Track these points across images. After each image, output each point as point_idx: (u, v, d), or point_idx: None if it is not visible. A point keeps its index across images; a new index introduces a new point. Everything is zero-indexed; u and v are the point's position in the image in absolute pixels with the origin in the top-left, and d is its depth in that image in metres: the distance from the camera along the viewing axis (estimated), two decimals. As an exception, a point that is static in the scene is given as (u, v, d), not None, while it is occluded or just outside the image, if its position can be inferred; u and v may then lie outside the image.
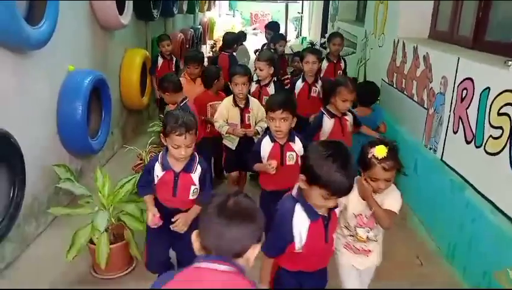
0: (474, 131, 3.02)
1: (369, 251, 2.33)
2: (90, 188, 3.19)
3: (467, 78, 3.18)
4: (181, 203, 2.56)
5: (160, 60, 5.82)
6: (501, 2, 3.40)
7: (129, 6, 5.01)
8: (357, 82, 4.09)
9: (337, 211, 2.06)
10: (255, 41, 11.68)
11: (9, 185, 2.91)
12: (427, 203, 3.62)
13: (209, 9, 12.61)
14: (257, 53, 6.85)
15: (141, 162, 4.03)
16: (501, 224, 2.64)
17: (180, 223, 2.53)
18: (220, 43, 8.47)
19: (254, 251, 1.37)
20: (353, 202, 2.24)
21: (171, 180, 2.52)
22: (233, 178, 3.90)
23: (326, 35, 7.83)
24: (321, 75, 4.99)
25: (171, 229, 2.55)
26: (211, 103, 4.15)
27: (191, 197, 2.55)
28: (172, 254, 2.77)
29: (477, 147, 2.97)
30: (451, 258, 3.20)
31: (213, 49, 11.16)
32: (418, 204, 3.73)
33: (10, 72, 3.00)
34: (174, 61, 5.94)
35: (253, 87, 4.22)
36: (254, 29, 20.22)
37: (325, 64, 5.32)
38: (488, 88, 2.87)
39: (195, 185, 2.54)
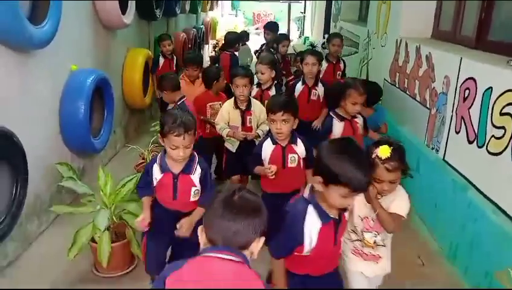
0: (476, 131, 3.01)
1: (379, 256, 2.27)
2: (92, 186, 3.20)
3: (469, 78, 3.18)
4: (182, 205, 2.51)
5: (161, 60, 5.83)
6: (504, 1, 3.39)
7: (132, 5, 5.01)
8: (379, 87, 3.98)
9: (346, 214, 2.03)
10: (257, 41, 11.67)
11: (12, 183, 2.91)
12: (429, 203, 3.61)
13: (211, 9, 12.62)
14: (257, 54, 6.84)
15: (143, 161, 4.04)
16: (503, 224, 2.63)
17: (184, 228, 2.46)
18: (222, 43, 8.47)
19: (258, 244, 1.43)
20: (358, 204, 2.19)
21: (170, 182, 2.46)
22: (235, 182, 3.80)
23: (326, 35, 7.83)
24: (320, 76, 4.96)
25: (176, 234, 2.47)
26: (210, 104, 4.14)
27: (192, 199, 2.50)
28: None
29: (479, 147, 2.96)
30: (453, 258, 3.19)
31: (215, 49, 11.16)
32: (420, 204, 3.72)
33: (13, 72, 3.01)
34: (175, 61, 5.95)
35: (254, 90, 4.16)
36: (257, 29, 20.20)
37: (324, 65, 5.29)
38: (491, 88, 2.86)
39: (195, 186, 2.48)
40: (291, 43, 10.33)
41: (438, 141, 3.62)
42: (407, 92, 4.45)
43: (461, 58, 3.33)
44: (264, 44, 7.03)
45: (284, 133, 2.76)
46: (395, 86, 4.86)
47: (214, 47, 11.83)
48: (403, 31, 4.81)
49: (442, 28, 4.51)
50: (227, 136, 3.63)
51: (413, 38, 4.54)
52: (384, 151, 2.07)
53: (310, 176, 2.90)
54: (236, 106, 3.64)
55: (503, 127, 2.69)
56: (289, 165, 2.83)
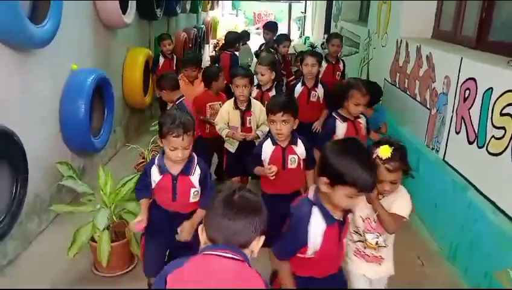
0: (476, 131, 3.01)
1: (381, 258, 2.26)
2: (92, 186, 3.20)
3: (469, 78, 3.18)
4: (182, 207, 2.47)
5: (161, 59, 5.82)
6: (505, 2, 3.39)
7: (132, 5, 5.01)
8: (379, 87, 3.93)
9: (349, 216, 2.02)
10: (258, 41, 11.66)
11: (12, 182, 2.91)
12: (428, 203, 3.61)
13: (212, 8, 12.62)
14: (256, 54, 6.81)
15: (143, 160, 4.04)
16: (503, 224, 2.63)
17: (186, 232, 2.42)
18: (222, 43, 8.47)
19: (258, 243, 1.45)
20: (360, 205, 2.15)
21: (169, 184, 2.41)
22: (235, 183, 3.77)
23: (325, 35, 7.82)
24: (319, 77, 4.93)
25: (177, 238, 2.45)
26: (210, 103, 4.13)
27: (191, 201, 2.46)
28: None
29: (479, 147, 2.96)
30: (452, 259, 3.19)
31: (216, 49, 11.17)
32: (419, 204, 3.71)
33: (13, 71, 3.01)
34: (175, 61, 5.94)
35: (254, 92, 4.11)
36: (257, 28, 20.20)
37: (323, 65, 5.25)
38: (491, 88, 2.86)
39: (195, 187, 2.44)
40: (292, 43, 10.32)
41: (438, 141, 3.62)
42: (408, 92, 4.45)
43: (461, 58, 3.33)
44: (263, 44, 6.99)
45: (284, 134, 2.73)
46: (395, 86, 4.86)
47: (215, 47, 11.84)
48: (403, 31, 4.81)
49: (443, 28, 4.51)
50: (226, 136, 3.61)
51: (413, 39, 4.54)
52: (384, 152, 2.06)
53: (309, 177, 2.92)
54: (236, 107, 3.62)
55: (503, 128, 2.69)
56: (289, 166, 2.79)
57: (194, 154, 2.45)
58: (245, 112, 3.62)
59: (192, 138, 2.36)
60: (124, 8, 4.71)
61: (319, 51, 5.98)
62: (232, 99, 3.67)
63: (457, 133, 3.31)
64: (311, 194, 1.93)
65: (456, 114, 3.35)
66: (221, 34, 12.74)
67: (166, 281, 1.39)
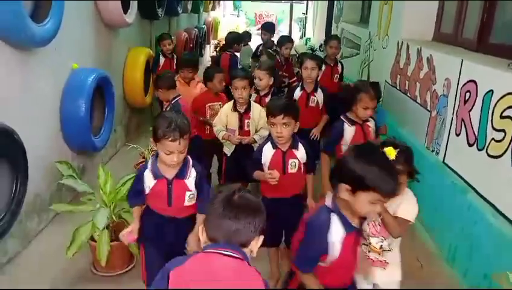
0: (476, 134, 3.01)
1: (386, 262, 2.24)
2: (92, 185, 3.21)
3: (470, 81, 3.18)
4: (177, 211, 2.40)
5: (161, 59, 5.82)
6: (506, 4, 3.39)
7: (134, 5, 5.02)
8: (379, 87, 3.85)
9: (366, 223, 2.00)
10: (259, 42, 11.67)
11: (12, 181, 2.91)
12: (428, 205, 3.61)
13: (213, 9, 12.63)
14: (254, 55, 6.77)
15: (143, 160, 4.04)
16: (502, 227, 2.63)
17: (192, 245, 2.34)
18: (223, 43, 8.47)
19: (257, 243, 1.49)
20: None
21: (165, 189, 2.33)
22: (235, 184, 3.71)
23: (323, 38, 7.80)
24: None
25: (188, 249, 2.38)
26: (210, 104, 4.10)
27: (186, 204, 2.39)
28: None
29: (479, 149, 2.96)
30: (452, 261, 3.19)
31: (216, 49, 11.18)
32: (419, 206, 3.71)
33: (14, 69, 3.01)
34: (175, 60, 5.94)
35: (252, 97, 4.00)
36: (258, 29, 20.20)
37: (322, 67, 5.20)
38: (491, 91, 2.86)
39: (190, 191, 2.37)
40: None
41: (438, 144, 3.63)
42: (408, 94, 4.45)
43: (462, 60, 3.34)
44: (260, 44, 6.94)
45: (284, 137, 2.67)
46: (396, 88, 4.86)
47: (216, 47, 11.85)
48: (404, 33, 4.81)
49: (444, 30, 4.51)
50: (222, 139, 3.55)
51: (414, 41, 4.54)
52: (389, 153, 2.02)
53: (309, 180, 2.88)
54: (235, 109, 3.55)
55: (503, 130, 2.69)
56: (289, 171, 2.73)
57: (188, 156, 2.38)
58: (243, 115, 3.55)
59: (188, 141, 2.29)
60: (125, 7, 4.71)
61: (318, 54, 5.96)
62: (232, 101, 3.62)
63: (458, 135, 3.31)
64: (328, 202, 1.89)
65: (456, 116, 3.35)
66: (222, 34, 12.75)
67: (168, 278, 1.41)
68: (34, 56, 3.23)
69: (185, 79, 4.61)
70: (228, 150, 3.66)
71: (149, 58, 5.62)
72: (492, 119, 2.82)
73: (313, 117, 4.09)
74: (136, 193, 2.44)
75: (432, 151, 3.73)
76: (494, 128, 2.80)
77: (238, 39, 6.33)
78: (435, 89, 3.78)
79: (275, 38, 7.04)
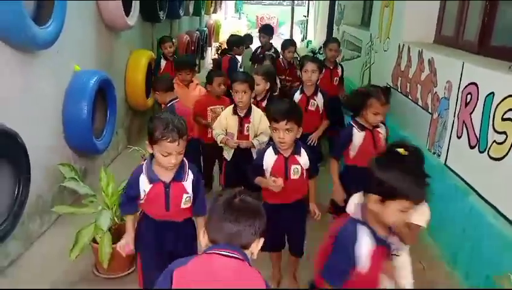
0: (478, 136, 3.02)
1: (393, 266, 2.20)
2: (94, 187, 3.22)
3: (471, 83, 3.18)
4: (175, 214, 2.34)
5: (162, 62, 5.82)
6: (507, 7, 3.40)
7: (135, 7, 5.04)
8: (390, 92, 3.71)
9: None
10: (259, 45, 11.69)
11: (14, 183, 2.92)
12: (430, 207, 3.61)
13: (215, 11, 12.65)
14: (253, 58, 6.73)
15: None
16: (504, 229, 2.63)
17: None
18: (224, 46, 8.50)
19: (258, 245, 1.52)
20: None
21: (162, 192, 2.26)
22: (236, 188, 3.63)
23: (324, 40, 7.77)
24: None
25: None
26: (211, 107, 4.08)
27: (182, 207, 2.33)
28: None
29: (481, 152, 2.96)
30: (454, 263, 3.19)
31: (218, 52, 11.20)
32: (421, 208, 3.72)
33: (17, 71, 3.03)
34: None
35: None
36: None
37: None
38: (493, 93, 2.86)
39: (187, 193, 2.32)
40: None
41: (440, 146, 3.63)
42: (409, 97, 4.46)
43: (463, 63, 3.34)
44: (259, 47, 6.89)
45: (287, 143, 2.60)
46: (397, 90, 4.86)
47: (217, 50, 11.87)
48: (405, 35, 4.82)
49: (445, 33, 4.52)
50: (220, 142, 3.50)
51: (415, 43, 4.55)
52: None
53: (312, 185, 2.84)
54: (235, 112, 3.49)
55: (504, 132, 2.70)
56: (292, 177, 2.67)
57: (184, 158, 2.33)
58: (243, 119, 3.49)
59: (186, 143, 2.25)
60: (127, 10, 4.73)
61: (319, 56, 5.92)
62: (233, 104, 3.56)
63: (459, 137, 3.31)
64: (355, 213, 1.84)
65: (458, 119, 3.35)
66: (223, 37, 12.78)
67: (171, 279, 1.44)
68: (37, 58, 3.24)
69: (184, 82, 4.55)
70: (228, 154, 3.61)
71: (151, 60, 5.63)
72: (493, 122, 2.83)
73: (312, 121, 3.98)
74: (130, 199, 2.37)
75: (434, 153, 3.73)
76: (495, 131, 2.80)
77: (238, 42, 6.30)
78: (436, 92, 3.79)
79: (276, 41, 7.02)
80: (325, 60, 5.41)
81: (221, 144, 3.54)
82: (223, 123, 3.54)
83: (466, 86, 3.25)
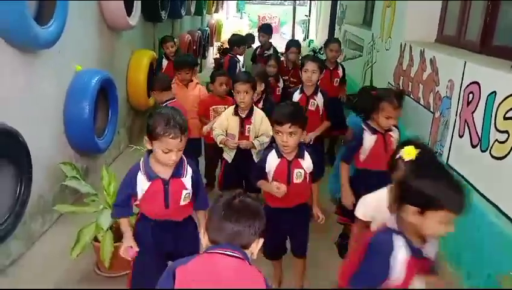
0: (480, 135, 3.01)
1: None
2: (96, 186, 3.22)
3: (473, 82, 3.17)
4: (174, 212, 2.29)
5: (164, 62, 5.82)
6: (509, 6, 3.39)
7: (137, 7, 5.05)
8: (403, 96, 3.54)
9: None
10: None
11: (16, 182, 2.93)
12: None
13: (216, 11, 12.66)
14: (253, 57, 6.70)
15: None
16: (506, 228, 2.63)
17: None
18: (226, 45, 8.49)
19: (257, 245, 1.55)
20: (383, 214, 2.04)
21: (161, 190, 2.21)
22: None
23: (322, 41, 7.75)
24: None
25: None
26: (214, 107, 4.06)
27: (182, 203, 2.28)
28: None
29: (482, 151, 2.96)
30: (455, 262, 3.18)
31: (220, 51, 11.20)
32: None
33: (19, 71, 3.03)
34: None
35: None
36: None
37: None
38: (495, 92, 2.85)
39: (187, 189, 2.28)
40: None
41: (442, 145, 3.62)
42: (411, 96, 4.45)
43: (465, 62, 3.33)
44: (258, 47, 6.86)
45: (290, 146, 2.54)
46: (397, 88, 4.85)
47: (219, 49, 11.89)
48: (407, 34, 4.81)
49: (447, 32, 4.51)
50: (220, 143, 3.45)
51: (417, 42, 4.54)
52: (409, 152, 1.94)
53: (315, 189, 2.79)
54: (236, 113, 3.44)
55: (506, 132, 2.69)
56: (294, 181, 2.61)
57: (182, 155, 2.28)
58: (244, 120, 3.43)
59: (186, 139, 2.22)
60: (128, 9, 4.74)
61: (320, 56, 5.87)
62: (235, 105, 3.51)
63: (461, 136, 3.30)
64: (391, 224, 1.76)
65: (460, 118, 3.34)
66: (225, 36, 12.79)
67: (173, 277, 1.46)
68: (38, 58, 3.25)
69: (183, 81, 4.46)
70: (229, 156, 3.55)
71: (152, 60, 5.64)
72: (495, 121, 2.82)
73: (312, 121, 3.78)
74: (125, 200, 2.30)
75: (436, 152, 3.72)
76: (497, 130, 2.79)
77: (238, 42, 6.24)
78: (438, 91, 3.78)
79: (278, 41, 6.99)
80: (326, 61, 5.30)
81: (220, 145, 3.49)
82: (224, 124, 3.49)
83: (468, 85, 3.24)
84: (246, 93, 3.35)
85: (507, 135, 2.68)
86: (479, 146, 3.01)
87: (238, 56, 6.18)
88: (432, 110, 3.90)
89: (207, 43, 10.50)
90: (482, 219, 2.86)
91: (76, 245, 2.78)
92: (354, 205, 2.64)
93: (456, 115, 3.40)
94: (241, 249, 1.50)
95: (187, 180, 2.28)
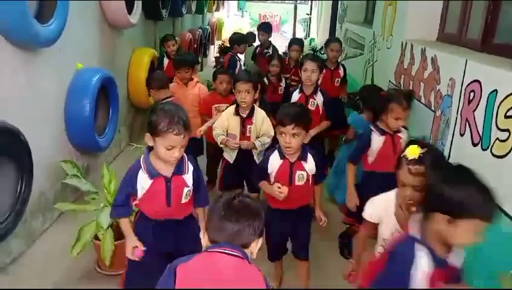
0: (481, 133, 3.00)
1: None
2: (96, 184, 3.22)
3: (474, 81, 3.16)
4: (175, 210, 2.26)
5: (165, 60, 5.81)
6: (509, 7, 3.38)
7: (138, 5, 5.04)
8: (412, 96, 3.59)
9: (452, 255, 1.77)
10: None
11: (17, 180, 2.94)
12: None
13: (217, 9, 12.65)
14: (253, 56, 6.69)
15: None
16: (506, 227, 2.62)
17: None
18: (227, 44, 8.49)
19: (257, 245, 1.57)
20: (388, 218, 2.06)
21: (163, 187, 2.19)
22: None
23: (327, 38, 7.75)
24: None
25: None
26: (216, 105, 4.04)
27: (183, 201, 2.26)
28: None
29: (483, 149, 2.95)
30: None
31: (220, 50, 11.20)
32: (423, 206, 3.71)
33: (19, 69, 3.03)
34: None
35: None
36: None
37: None
38: (496, 90, 2.85)
39: (188, 186, 2.25)
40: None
41: (443, 143, 3.61)
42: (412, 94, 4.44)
43: (466, 60, 3.32)
44: (258, 45, 6.84)
45: (293, 148, 2.52)
46: (400, 88, 4.84)
47: (220, 48, 11.88)
48: (408, 33, 4.80)
49: (448, 30, 4.50)
50: (220, 143, 3.40)
51: (418, 41, 4.53)
52: (412, 151, 1.90)
53: (318, 191, 2.78)
54: (237, 113, 3.39)
55: (507, 130, 2.68)
56: (296, 183, 2.59)
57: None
58: (245, 120, 3.39)
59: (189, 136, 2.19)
60: (129, 8, 4.74)
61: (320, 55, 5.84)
62: (236, 104, 3.46)
63: (462, 135, 3.29)
64: (414, 232, 1.67)
65: (461, 116, 3.34)
66: (226, 35, 12.78)
67: (175, 275, 1.47)
68: (39, 56, 3.25)
69: (183, 80, 4.43)
70: (230, 157, 3.51)
71: (153, 58, 5.64)
72: (496, 119, 2.81)
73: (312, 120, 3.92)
74: (122, 202, 2.26)
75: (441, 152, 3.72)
76: (498, 128, 2.78)
77: (239, 40, 6.22)
78: (439, 89, 3.77)
79: (279, 39, 6.98)
80: (327, 61, 5.25)
81: (221, 145, 3.45)
82: (225, 123, 3.44)
83: (469, 84, 3.24)
84: (247, 92, 3.30)
85: (508, 133, 2.67)
86: (479, 145, 3.01)
87: (238, 55, 6.18)
88: (432, 108, 3.89)
89: (208, 42, 10.49)
90: (483, 218, 2.86)
91: (76, 243, 2.78)
92: (358, 207, 2.63)
93: (457, 114, 3.39)
94: (240, 248, 1.51)
95: (188, 177, 2.26)
